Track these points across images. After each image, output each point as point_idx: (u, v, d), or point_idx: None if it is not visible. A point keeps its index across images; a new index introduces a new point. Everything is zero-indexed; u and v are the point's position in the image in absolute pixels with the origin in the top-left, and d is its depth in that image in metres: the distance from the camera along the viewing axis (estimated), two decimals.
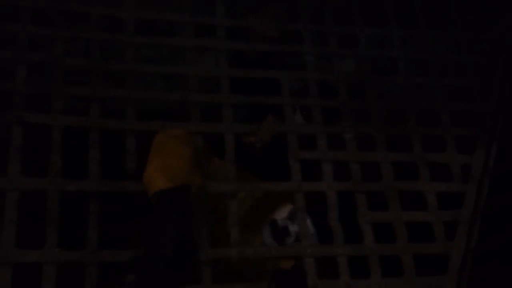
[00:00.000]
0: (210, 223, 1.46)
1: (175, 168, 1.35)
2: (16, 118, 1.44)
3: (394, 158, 1.66)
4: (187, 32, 1.69)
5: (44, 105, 1.49)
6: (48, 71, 1.53)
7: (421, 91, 1.80)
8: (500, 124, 1.74)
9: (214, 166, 1.63)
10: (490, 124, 1.75)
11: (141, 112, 1.56)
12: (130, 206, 1.56)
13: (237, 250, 1.44)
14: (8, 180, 1.38)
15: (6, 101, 1.47)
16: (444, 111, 1.76)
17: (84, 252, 1.35)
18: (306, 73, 1.73)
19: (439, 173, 1.66)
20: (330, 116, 1.69)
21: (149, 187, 1.36)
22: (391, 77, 1.80)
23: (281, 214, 1.58)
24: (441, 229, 1.59)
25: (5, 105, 1.46)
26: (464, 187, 1.65)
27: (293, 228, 1.54)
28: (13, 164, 1.40)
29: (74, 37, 1.61)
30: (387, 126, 1.71)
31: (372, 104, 1.73)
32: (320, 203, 1.56)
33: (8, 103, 1.46)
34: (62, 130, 1.46)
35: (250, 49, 1.72)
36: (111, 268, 1.36)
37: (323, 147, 1.63)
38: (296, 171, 1.58)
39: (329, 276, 1.47)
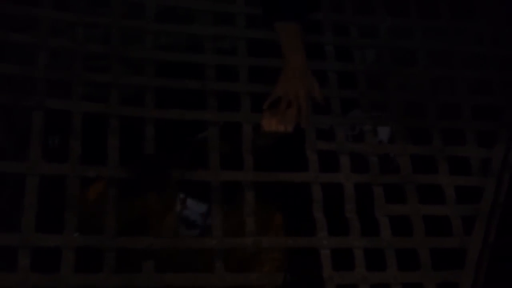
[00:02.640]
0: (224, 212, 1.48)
1: None
2: (37, 103, 1.45)
3: (413, 151, 1.65)
4: (206, 20, 1.69)
5: (64, 91, 1.51)
6: (69, 56, 1.54)
7: (441, 83, 1.78)
8: None
9: None
10: (511, 119, 1.73)
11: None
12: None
13: (253, 240, 1.45)
14: (29, 165, 1.39)
15: (28, 86, 1.48)
16: (465, 104, 1.74)
17: (103, 238, 1.37)
18: (325, 63, 1.72)
19: (458, 166, 1.65)
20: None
21: None
22: (411, 68, 1.78)
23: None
24: (459, 223, 1.58)
25: (26, 90, 1.47)
26: (483, 182, 1.64)
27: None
28: (33, 149, 1.41)
29: (95, 23, 1.61)
30: (407, 118, 1.70)
31: (392, 95, 1.72)
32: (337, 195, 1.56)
33: (29, 88, 1.47)
34: (82, 116, 1.47)
35: (269, 38, 1.71)
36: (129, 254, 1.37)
37: (341, 138, 1.62)
38: (313, 162, 1.57)
39: (345, 268, 1.47)
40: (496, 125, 1.72)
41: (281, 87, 1.61)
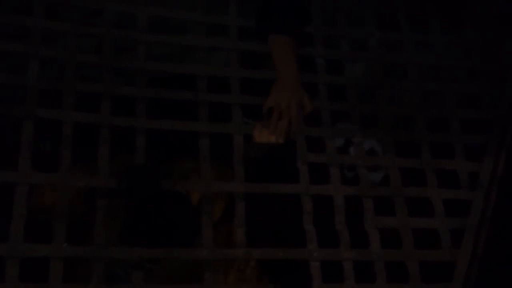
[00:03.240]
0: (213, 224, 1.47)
1: None
2: (27, 113, 1.45)
3: (402, 164, 1.66)
4: (199, 31, 1.69)
5: (56, 100, 1.50)
6: (60, 66, 1.54)
7: (431, 96, 1.80)
8: (510, 132, 1.73)
9: None
10: (499, 132, 1.75)
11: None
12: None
13: (244, 251, 1.45)
14: (19, 174, 1.38)
15: (18, 95, 1.47)
16: (454, 117, 1.76)
17: (92, 248, 1.36)
18: (316, 75, 1.73)
19: (447, 180, 1.67)
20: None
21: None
22: (401, 82, 1.80)
23: None
24: (447, 236, 1.59)
25: (17, 100, 1.47)
26: (472, 195, 1.65)
27: None
28: (23, 159, 1.40)
29: (87, 33, 1.61)
30: (396, 131, 1.71)
31: (382, 108, 1.74)
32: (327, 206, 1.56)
33: (20, 98, 1.47)
34: (73, 126, 1.47)
35: (260, 50, 1.72)
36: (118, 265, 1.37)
37: (331, 150, 1.63)
38: (303, 173, 1.58)
39: (334, 280, 1.47)
40: (484, 138, 1.74)
41: (273, 99, 1.62)
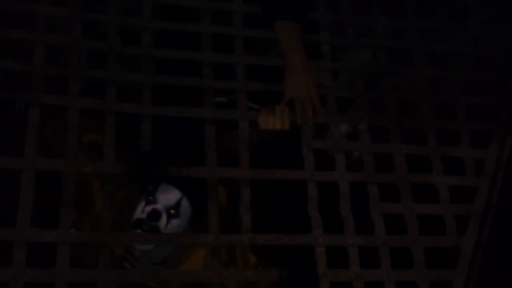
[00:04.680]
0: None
1: None
2: (33, 99, 1.45)
3: (408, 150, 1.66)
4: (203, 18, 1.69)
5: (61, 87, 1.51)
6: (66, 52, 1.54)
7: (437, 83, 1.79)
8: None
9: None
10: (505, 119, 1.74)
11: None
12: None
13: (249, 237, 1.46)
14: (25, 160, 1.39)
15: (24, 82, 1.48)
16: (460, 104, 1.75)
17: (99, 233, 1.37)
18: (321, 62, 1.73)
19: (453, 166, 1.66)
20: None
21: None
22: (407, 69, 1.80)
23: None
24: (452, 223, 1.59)
25: (22, 86, 1.47)
26: (477, 181, 1.65)
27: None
28: (29, 145, 1.41)
29: (92, 20, 1.62)
30: (402, 118, 1.71)
31: (387, 95, 1.73)
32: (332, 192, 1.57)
33: (25, 84, 1.47)
34: (78, 112, 1.47)
35: (265, 37, 1.72)
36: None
37: (337, 137, 1.63)
38: (309, 160, 1.58)
39: (339, 265, 1.48)
40: (490, 125, 1.73)
41: (291, 89, 1.62)
